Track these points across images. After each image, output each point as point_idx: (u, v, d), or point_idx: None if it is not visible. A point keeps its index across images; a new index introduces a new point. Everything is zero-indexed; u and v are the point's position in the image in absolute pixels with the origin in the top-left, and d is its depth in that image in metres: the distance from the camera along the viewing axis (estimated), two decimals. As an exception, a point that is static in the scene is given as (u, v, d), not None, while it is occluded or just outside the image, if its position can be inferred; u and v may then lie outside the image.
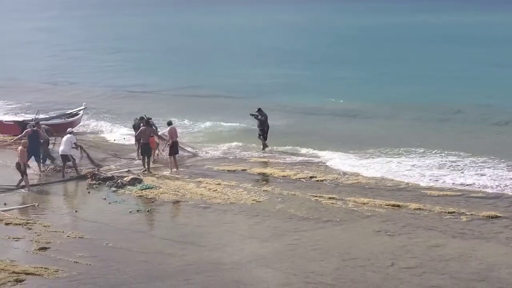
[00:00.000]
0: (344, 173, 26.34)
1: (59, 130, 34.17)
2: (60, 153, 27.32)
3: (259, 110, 30.82)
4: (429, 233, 19.34)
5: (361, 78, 53.29)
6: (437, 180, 24.99)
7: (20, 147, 25.51)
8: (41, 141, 28.30)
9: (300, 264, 17.30)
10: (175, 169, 27.35)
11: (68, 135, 27.52)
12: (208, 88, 50.93)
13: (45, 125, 34.95)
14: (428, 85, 48.31)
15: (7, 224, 21.04)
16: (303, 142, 31.75)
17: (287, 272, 16.85)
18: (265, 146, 30.69)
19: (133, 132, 30.59)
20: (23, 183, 25.31)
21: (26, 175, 25.30)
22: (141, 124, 28.40)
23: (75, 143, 27.29)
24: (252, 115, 31.18)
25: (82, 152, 28.38)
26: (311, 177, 25.92)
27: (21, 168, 25.17)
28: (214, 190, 24.29)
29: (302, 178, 25.84)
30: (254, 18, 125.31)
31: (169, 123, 28.36)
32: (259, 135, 30.84)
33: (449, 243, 18.57)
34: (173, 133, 27.83)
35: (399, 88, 47.92)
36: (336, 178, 25.70)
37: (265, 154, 29.94)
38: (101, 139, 34.76)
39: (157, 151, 29.25)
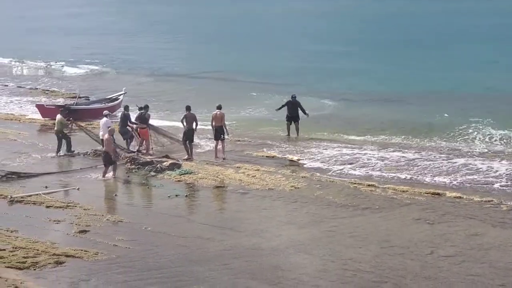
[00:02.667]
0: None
1: (99, 114, 34.53)
2: (100, 137, 27.55)
3: (293, 97, 30.94)
4: (469, 222, 19.14)
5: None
6: (476, 168, 24.70)
7: (106, 135, 25.44)
8: None
9: (338, 251, 17.25)
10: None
11: (105, 119, 27.66)
12: (250, 75, 50.88)
13: (85, 109, 35.35)
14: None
15: (48, 207, 21.35)
16: (344, 129, 31.87)
17: (324, 258, 16.81)
18: (288, 133, 30.95)
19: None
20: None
21: (115, 163, 25.25)
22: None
23: (109, 127, 27.41)
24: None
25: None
26: (350, 164, 25.84)
27: (112, 157, 25.01)
28: (252, 176, 24.31)
29: (339, 165, 25.76)
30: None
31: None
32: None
33: (489, 232, 18.37)
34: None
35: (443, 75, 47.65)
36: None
37: (301, 141, 29.87)
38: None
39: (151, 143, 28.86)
